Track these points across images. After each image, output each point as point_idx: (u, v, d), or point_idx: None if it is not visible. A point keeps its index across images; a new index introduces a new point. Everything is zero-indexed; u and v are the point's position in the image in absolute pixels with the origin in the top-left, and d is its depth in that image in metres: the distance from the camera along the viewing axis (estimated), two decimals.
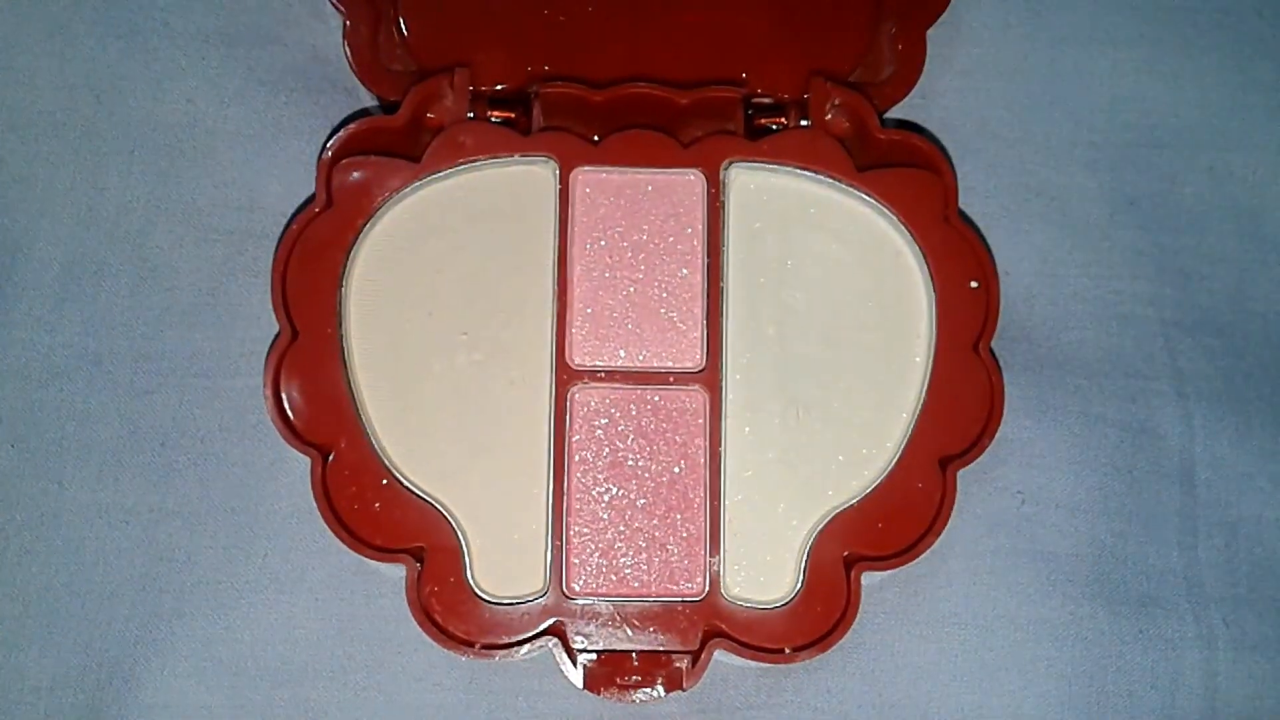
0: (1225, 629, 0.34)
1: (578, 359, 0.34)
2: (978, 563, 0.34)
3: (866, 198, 0.35)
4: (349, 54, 0.35)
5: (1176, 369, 0.36)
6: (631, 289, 0.34)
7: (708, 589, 0.33)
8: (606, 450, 0.34)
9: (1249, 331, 0.37)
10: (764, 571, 0.33)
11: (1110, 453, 0.35)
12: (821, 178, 0.35)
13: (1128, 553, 0.35)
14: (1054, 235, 0.37)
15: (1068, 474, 0.35)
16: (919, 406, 0.33)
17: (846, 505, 0.33)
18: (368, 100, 0.37)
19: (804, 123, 0.35)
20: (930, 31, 0.36)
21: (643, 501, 0.33)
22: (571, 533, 0.33)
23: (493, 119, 0.35)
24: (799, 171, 0.35)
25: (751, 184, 0.35)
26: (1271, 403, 0.36)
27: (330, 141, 0.34)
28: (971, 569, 0.34)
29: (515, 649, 0.32)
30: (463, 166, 0.34)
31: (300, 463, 0.33)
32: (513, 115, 0.35)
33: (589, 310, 0.34)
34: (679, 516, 0.33)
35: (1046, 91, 0.38)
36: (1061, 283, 0.37)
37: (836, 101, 0.35)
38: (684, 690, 0.32)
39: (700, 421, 0.34)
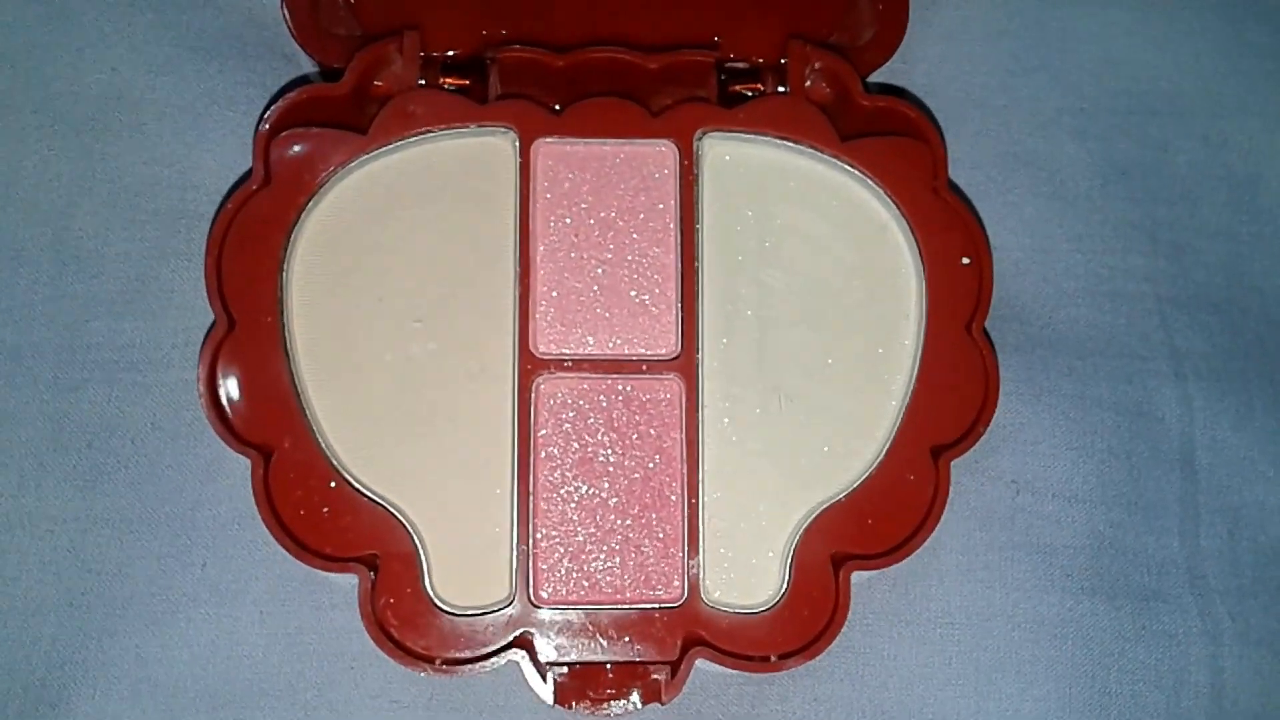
0: (1230, 622, 0.33)
1: (542, 347, 0.32)
2: (971, 558, 0.33)
3: (850, 169, 0.33)
4: (287, 17, 0.33)
5: (1173, 348, 0.35)
6: (599, 270, 0.32)
7: (686, 594, 0.31)
8: (575, 445, 0.31)
9: (1247, 307, 0.36)
10: (746, 574, 0.31)
11: (1107, 438, 0.34)
12: (802, 148, 0.33)
13: (1127, 544, 0.33)
14: (1043, 207, 0.36)
15: (1064, 461, 0.34)
16: (909, 393, 0.32)
17: (833, 500, 0.31)
18: (309, 67, 0.35)
19: (781, 89, 0.33)
20: None
21: (615, 500, 0.31)
22: (538, 536, 0.31)
23: (446, 86, 0.33)
24: (777, 141, 0.33)
25: (727, 155, 0.33)
26: (1272, 382, 0.35)
27: (268, 113, 0.32)
28: (965, 564, 0.33)
29: (479, 663, 0.30)
30: (413, 138, 0.32)
31: (241, 463, 0.31)
32: (467, 82, 0.33)
33: (554, 294, 0.32)
34: (654, 516, 0.31)
35: (1033, 55, 0.36)
36: (1052, 258, 0.35)
37: (816, 65, 0.34)
38: (662, 703, 0.30)
39: (676, 413, 0.32)
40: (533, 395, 0.31)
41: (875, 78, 0.35)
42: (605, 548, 0.31)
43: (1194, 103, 0.36)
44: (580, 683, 0.30)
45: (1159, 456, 0.34)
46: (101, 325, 0.33)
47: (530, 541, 0.31)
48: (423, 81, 0.33)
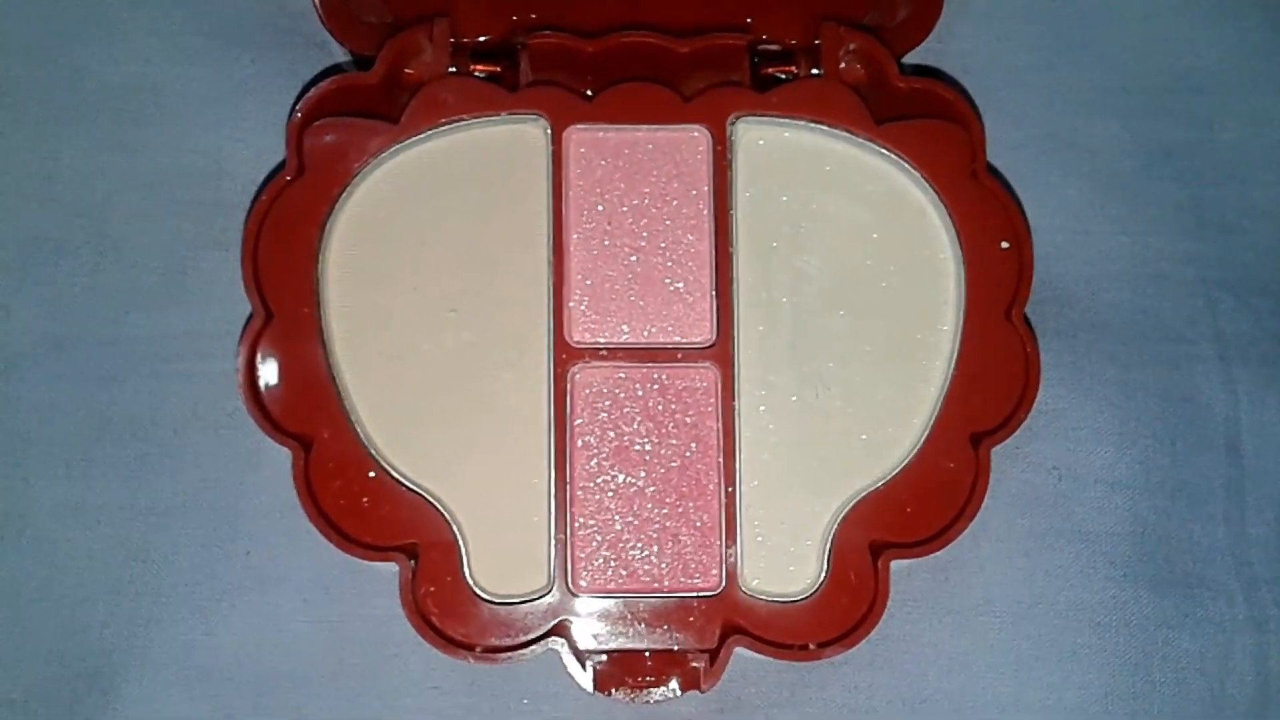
0: (1276, 609, 0.33)
1: (577, 336, 0.32)
2: (1012, 545, 0.33)
3: (886, 152, 0.32)
4: (318, 5, 0.33)
5: (1219, 331, 0.34)
6: (633, 258, 0.32)
7: (724, 582, 0.31)
8: (611, 434, 0.31)
9: None
10: (785, 562, 0.31)
11: (1151, 423, 0.33)
12: (837, 131, 0.32)
13: (1172, 530, 0.33)
14: (1085, 189, 0.35)
15: (1107, 447, 0.33)
16: (948, 379, 0.31)
17: (872, 488, 0.31)
18: (341, 56, 0.35)
19: (815, 71, 0.33)
20: None
21: (652, 489, 0.31)
22: (576, 525, 0.31)
23: (476, 74, 0.33)
24: (812, 125, 0.32)
25: (761, 140, 0.33)
26: None
27: (299, 103, 0.32)
28: (1006, 552, 0.33)
29: (519, 651, 0.30)
30: (445, 127, 0.32)
31: (283, 452, 0.31)
32: (498, 69, 0.33)
33: (588, 282, 0.32)
34: (691, 504, 0.31)
35: (1074, 32, 0.36)
36: (1095, 240, 0.35)
37: (851, 47, 0.33)
38: (702, 691, 0.30)
39: (712, 401, 0.31)
40: (568, 384, 0.31)
41: (911, 58, 0.34)
42: (643, 536, 0.31)
43: (1239, 79, 0.35)
44: (620, 670, 0.30)
45: (1204, 442, 0.33)
46: (142, 316, 0.33)
47: (568, 530, 0.31)
48: (453, 69, 0.32)
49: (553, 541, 0.31)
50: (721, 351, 0.31)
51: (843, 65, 0.33)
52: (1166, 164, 0.35)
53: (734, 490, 0.31)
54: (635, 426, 0.31)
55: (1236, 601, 0.32)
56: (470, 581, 0.31)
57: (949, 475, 0.31)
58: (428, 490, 0.31)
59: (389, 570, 0.31)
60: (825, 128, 0.32)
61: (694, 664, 0.30)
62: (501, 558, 0.31)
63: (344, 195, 0.32)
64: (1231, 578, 0.33)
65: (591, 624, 0.30)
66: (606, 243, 0.32)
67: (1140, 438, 0.33)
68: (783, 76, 0.33)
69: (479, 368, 0.31)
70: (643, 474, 0.31)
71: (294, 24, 0.35)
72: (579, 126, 0.32)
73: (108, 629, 0.32)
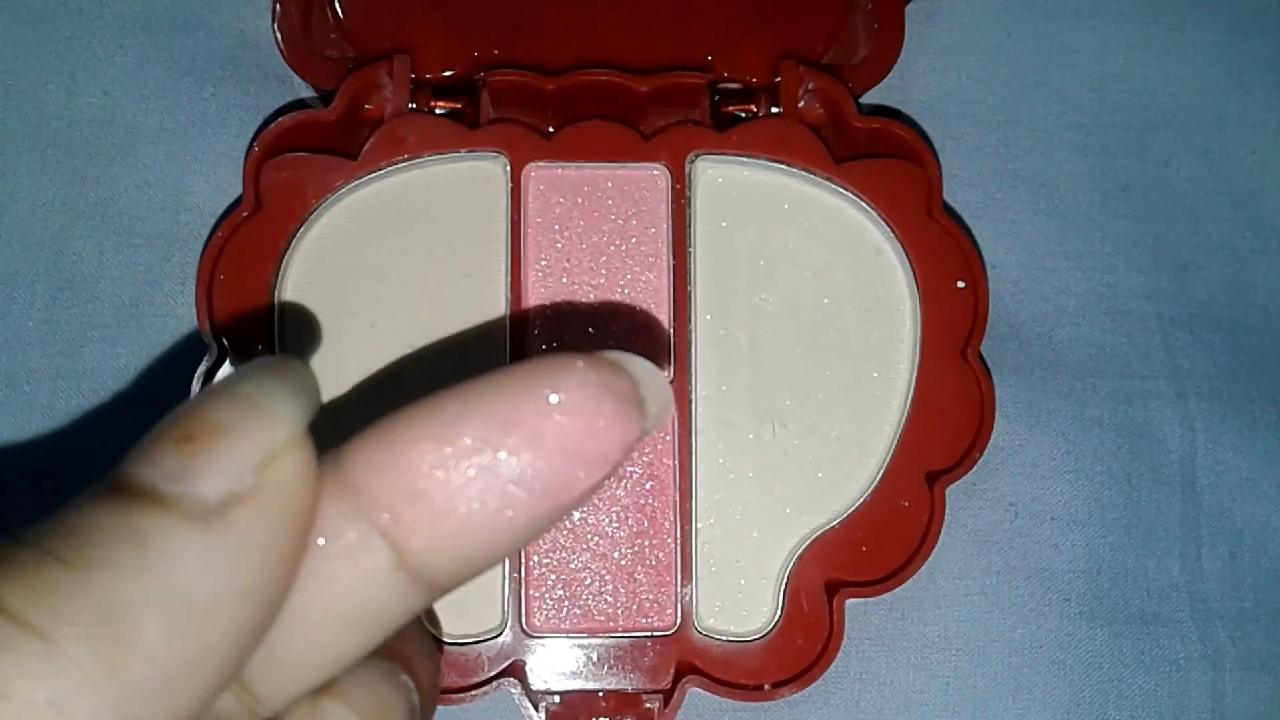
0: (1232, 647, 0.33)
1: None
2: (968, 582, 0.33)
3: (844, 191, 0.32)
4: (279, 40, 0.33)
5: (1174, 367, 0.34)
6: (591, 295, 0.32)
7: (679, 622, 0.30)
8: None
9: (1250, 324, 0.35)
10: (740, 601, 0.31)
11: (1107, 460, 0.33)
12: (795, 170, 0.32)
13: (1127, 567, 0.33)
14: (1042, 225, 0.35)
15: (1062, 484, 0.33)
16: (903, 418, 0.31)
17: (827, 527, 0.31)
18: (304, 90, 0.34)
19: (775, 110, 0.33)
20: (908, 7, 0.34)
21: (608, 528, 0.31)
22: (530, 563, 0.31)
23: (436, 110, 0.32)
24: (771, 164, 0.32)
25: (719, 178, 0.33)
26: (1275, 401, 0.34)
27: (257, 138, 0.32)
28: (961, 589, 0.33)
29: (471, 692, 0.30)
30: (404, 164, 0.32)
31: None
32: (458, 106, 0.33)
33: (545, 319, 0.32)
34: (647, 543, 0.31)
35: (1032, 70, 0.36)
36: (1051, 276, 0.35)
37: (810, 86, 0.33)
38: None
39: (668, 439, 0.31)
40: None
41: (870, 96, 0.34)
42: (598, 575, 0.31)
43: (1196, 117, 0.36)
44: (573, 711, 0.30)
45: (1159, 478, 0.33)
46: (96, 350, 0.33)
47: (522, 569, 0.30)
48: (413, 105, 0.32)
49: (507, 580, 0.30)
50: (679, 389, 0.31)
51: (802, 104, 0.33)
52: (1123, 200, 0.35)
53: (690, 529, 0.31)
54: None
55: (1191, 639, 0.33)
56: (423, 621, 0.30)
57: (905, 513, 0.31)
58: None
59: None
60: (784, 166, 0.32)
61: (648, 705, 0.30)
62: (455, 596, 0.30)
63: (301, 231, 0.31)
64: (1187, 615, 0.33)
65: (545, 664, 0.30)
66: (565, 280, 0.32)
67: (1096, 474, 0.33)
68: (743, 115, 0.33)
69: None
70: (599, 513, 0.31)
71: (255, 57, 0.35)
72: (538, 164, 0.32)
73: None
